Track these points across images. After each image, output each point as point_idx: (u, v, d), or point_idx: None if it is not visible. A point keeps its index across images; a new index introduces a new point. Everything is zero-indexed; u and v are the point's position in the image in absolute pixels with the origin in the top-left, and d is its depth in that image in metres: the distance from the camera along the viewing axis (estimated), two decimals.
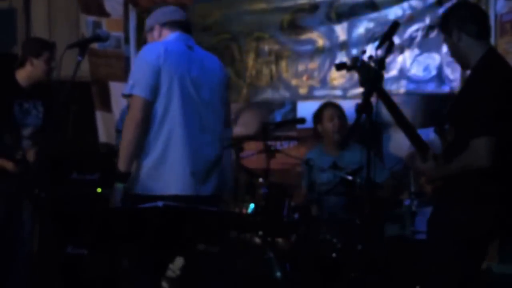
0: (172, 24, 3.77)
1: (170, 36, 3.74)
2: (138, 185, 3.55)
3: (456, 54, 3.38)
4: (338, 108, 5.03)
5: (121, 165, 3.49)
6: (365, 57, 3.28)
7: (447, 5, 4.83)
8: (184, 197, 3.50)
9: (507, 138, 3.14)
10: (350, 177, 4.48)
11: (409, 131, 3.31)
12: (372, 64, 3.28)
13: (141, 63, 3.59)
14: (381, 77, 3.31)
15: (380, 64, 3.28)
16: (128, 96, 3.54)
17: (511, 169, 3.18)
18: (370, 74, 3.28)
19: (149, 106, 3.52)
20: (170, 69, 3.56)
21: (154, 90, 3.53)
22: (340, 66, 3.46)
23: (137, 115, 3.49)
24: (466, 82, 3.42)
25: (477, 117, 3.11)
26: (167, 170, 3.55)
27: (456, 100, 3.36)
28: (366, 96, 3.22)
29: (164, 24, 3.77)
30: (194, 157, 3.60)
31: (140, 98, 3.50)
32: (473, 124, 3.12)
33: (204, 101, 3.68)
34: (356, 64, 3.31)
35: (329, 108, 5.02)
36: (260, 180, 4.58)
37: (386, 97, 3.29)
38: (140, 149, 3.53)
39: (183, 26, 3.80)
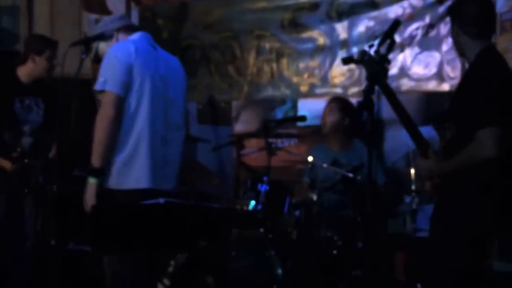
0: (127, 28, 3.85)
1: (134, 35, 3.79)
2: (111, 180, 3.61)
3: (455, 43, 3.39)
4: (337, 104, 5.04)
5: (95, 161, 3.55)
6: (372, 51, 3.25)
7: (447, 3, 4.84)
8: (152, 191, 3.56)
9: (507, 132, 3.12)
10: (350, 175, 4.50)
11: (411, 127, 3.30)
12: (378, 58, 3.26)
13: (113, 61, 3.61)
14: (386, 71, 3.31)
15: (384, 60, 3.30)
16: (99, 92, 3.59)
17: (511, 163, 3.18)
18: (377, 68, 3.25)
19: (121, 102, 3.57)
20: (141, 66, 3.63)
21: (126, 87, 3.59)
22: (347, 60, 3.42)
23: (110, 111, 3.54)
24: (464, 78, 3.39)
25: (481, 109, 3.10)
26: (138, 166, 3.62)
27: (454, 96, 3.36)
28: (367, 93, 3.23)
29: (119, 29, 3.84)
30: (161, 153, 3.69)
31: (113, 93, 3.56)
32: (477, 117, 3.10)
33: (170, 99, 3.77)
34: (363, 58, 3.28)
35: (328, 106, 5.06)
36: (261, 177, 4.59)
37: (389, 92, 3.28)
38: (113, 144, 3.58)
39: (136, 28, 3.92)
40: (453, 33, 3.36)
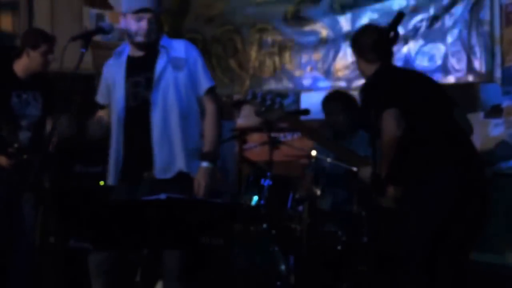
0: None
1: None
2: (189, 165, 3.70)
3: (358, 66, 3.69)
4: (337, 102, 4.95)
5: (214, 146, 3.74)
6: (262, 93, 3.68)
7: None
8: None
9: (418, 114, 3.32)
10: (355, 169, 4.45)
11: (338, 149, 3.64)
12: (269, 100, 3.66)
13: None
14: (276, 105, 3.66)
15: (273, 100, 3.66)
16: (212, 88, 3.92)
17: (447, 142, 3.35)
18: (263, 107, 3.68)
19: None
20: None
21: None
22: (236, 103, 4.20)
23: None
24: (361, 93, 3.63)
25: (376, 106, 3.32)
26: None
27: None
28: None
29: None
30: None
31: None
32: (376, 114, 3.30)
33: None
34: (246, 99, 3.82)
35: (327, 103, 4.97)
36: (264, 172, 4.56)
37: (296, 123, 3.75)
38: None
39: None
40: (355, 58, 3.67)
